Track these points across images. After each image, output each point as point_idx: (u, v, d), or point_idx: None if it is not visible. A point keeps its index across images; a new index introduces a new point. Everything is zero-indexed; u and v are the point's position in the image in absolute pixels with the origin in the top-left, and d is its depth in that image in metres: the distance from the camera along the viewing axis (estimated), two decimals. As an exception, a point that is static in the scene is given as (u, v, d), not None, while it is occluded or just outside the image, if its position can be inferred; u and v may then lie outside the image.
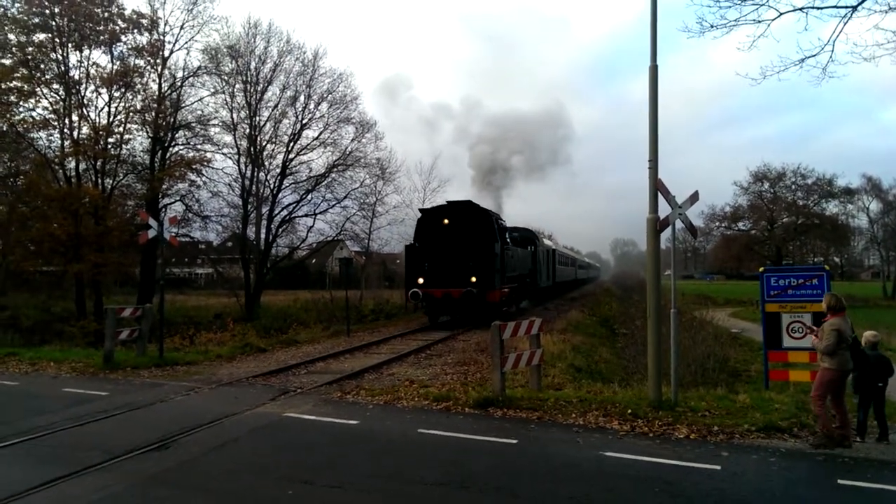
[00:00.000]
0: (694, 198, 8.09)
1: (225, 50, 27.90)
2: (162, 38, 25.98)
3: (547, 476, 5.55)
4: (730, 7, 9.43)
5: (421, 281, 19.21)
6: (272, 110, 29.40)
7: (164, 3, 27.62)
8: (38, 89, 23.84)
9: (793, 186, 48.47)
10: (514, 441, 6.62)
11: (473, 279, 18.48)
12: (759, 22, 9.43)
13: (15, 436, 6.80)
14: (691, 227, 8.43)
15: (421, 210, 21.93)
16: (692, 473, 5.57)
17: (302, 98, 29.60)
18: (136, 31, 25.35)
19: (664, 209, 8.01)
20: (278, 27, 30.93)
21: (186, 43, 27.04)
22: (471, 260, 18.85)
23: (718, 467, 5.72)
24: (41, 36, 23.85)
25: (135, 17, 25.05)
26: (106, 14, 24.57)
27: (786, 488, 5.28)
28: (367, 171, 31.76)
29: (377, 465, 5.91)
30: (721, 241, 56.75)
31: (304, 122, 29.69)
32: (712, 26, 9.54)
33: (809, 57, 9.52)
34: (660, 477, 5.46)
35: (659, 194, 7.92)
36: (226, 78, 28.18)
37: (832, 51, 9.60)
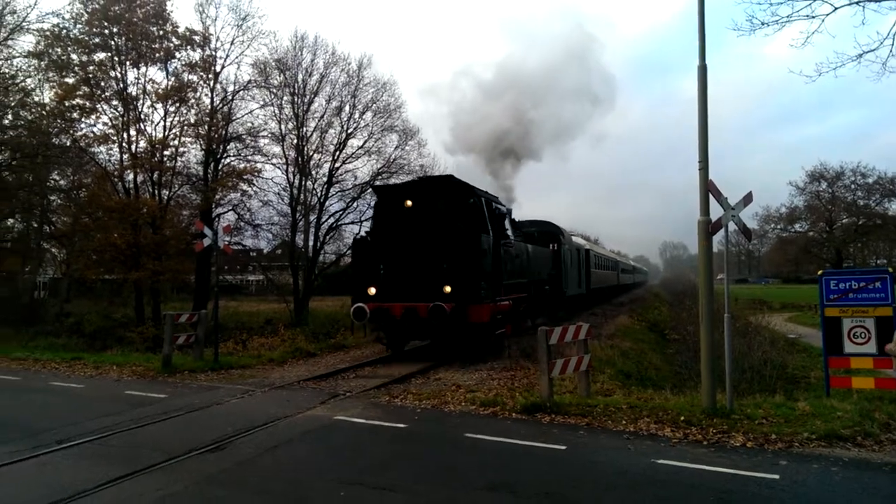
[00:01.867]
0: (747, 199, 7.88)
1: (273, 63, 28.62)
2: (214, 53, 26.86)
3: (597, 483, 5.49)
4: (781, 3, 9.19)
5: (373, 291, 13.22)
6: (318, 121, 29.98)
7: (216, 19, 28.64)
8: (98, 106, 24.96)
9: (852, 186, 46.68)
10: (563, 447, 6.56)
11: (447, 288, 12.34)
12: (813, 17, 9.17)
13: (82, 436, 7.12)
14: (745, 229, 8.20)
15: (375, 188, 16.42)
16: (749, 483, 5.41)
17: (347, 108, 30.08)
18: (189, 47, 26.28)
19: (716, 211, 7.83)
20: (324, 40, 31.89)
21: (237, 58, 27.91)
22: (444, 259, 12.65)
23: (777, 476, 5.54)
24: (101, 55, 25.00)
25: (188, 34, 25.96)
26: (161, 32, 25.55)
27: (849, 499, 5.07)
28: (411, 178, 32.01)
29: (426, 468, 5.96)
30: (777, 244, 54.96)
31: (349, 131, 30.16)
32: (763, 23, 9.33)
33: (868, 52, 9.20)
34: (715, 486, 5.32)
35: (710, 196, 7.74)
36: (274, 91, 28.89)
37: (892, 44, 9.22)
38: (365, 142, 30.60)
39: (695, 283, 22.72)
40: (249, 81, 28.06)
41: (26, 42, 30.28)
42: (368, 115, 30.45)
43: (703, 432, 7.02)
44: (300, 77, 29.44)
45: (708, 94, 7.87)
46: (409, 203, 13.51)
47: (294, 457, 6.37)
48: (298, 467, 5.99)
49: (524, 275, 16.47)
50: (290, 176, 29.50)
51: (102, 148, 25.58)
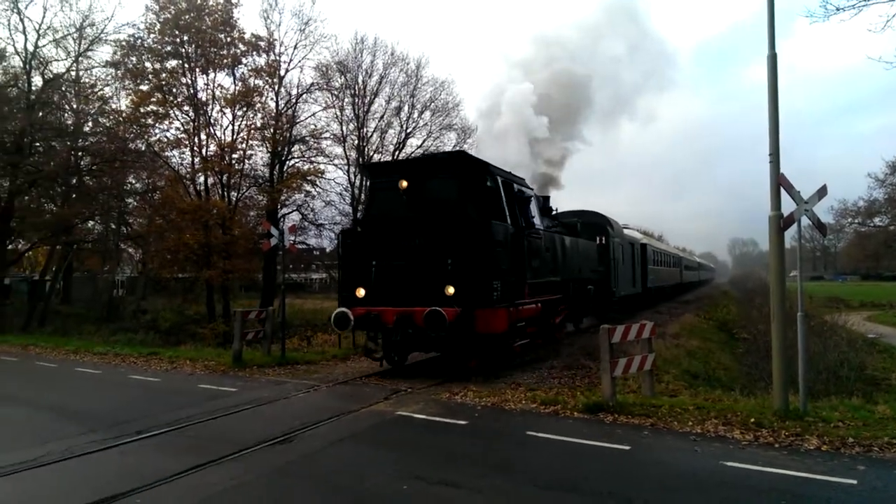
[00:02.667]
0: (822, 192, 7.53)
1: (334, 66, 29.34)
2: (278, 58, 27.76)
3: (662, 483, 5.38)
4: (860, -14, 8.72)
5: (361, 293, 10.81)
6: (378, 121, 30.56)
7: (280, 24, 29.49)
8: (171, 111, 26.21)
9: (940, 176, 43.57)
10: (627, 447, 6.46)
11: (450, 290, 9.95)
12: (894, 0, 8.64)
13: (159, 427, 7.51)
14: (819, 224, 7.85)
15: (366, 166, 14.72)
16: (824, 488, 5.18)
17: (406, 108, 30.55)
18: (255, 53, 27.25)
19: (788, 205, 7.52)
20: (383, 41, 32.43)
21: (300, 61, 28.86)
22: (448, 253, 10.16)
23: (855, 482, 5.29)
24: (173, 62, 26.22)
25: (254, 40, 26.93)
26: (228, 39, 26.56)
27: (937, 509, 4.79)
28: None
29: (488, 464, 5.98)
30: (855, 239, 52.08)
31: (408, 131, 30.61)
32: (839, 9, 8.88)
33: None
34: (787, 489, 5.13)
35: (782, 189, 7.44)
36: (335, 93, 29.61)
37: None
38: (424, 141, 31.02)
39: (766, 280, 21.78)
40: (312, 84, 28.86)
41: (104, 52, 32.12)
42: (427, 114, 30.85)
43: (774, 435, 6.76)
44: (360, 78, 30.09)
45: (778, 83, 7.58)
46: (404, 184, 10.73)
47: (358, 450, 6.52)
48: (362, 460, 6.14)
49: (558, 272, 13.97)
50: (352, 176, 30.16)
51: (175, 152, 26.91)
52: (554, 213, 16.30)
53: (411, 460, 6.12)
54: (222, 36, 26.38)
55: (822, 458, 6.00)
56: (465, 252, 10.17)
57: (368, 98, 30.25)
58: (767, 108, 7.57)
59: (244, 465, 6.03)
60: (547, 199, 16.38)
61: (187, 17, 25.46)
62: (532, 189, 13.56)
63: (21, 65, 23.78)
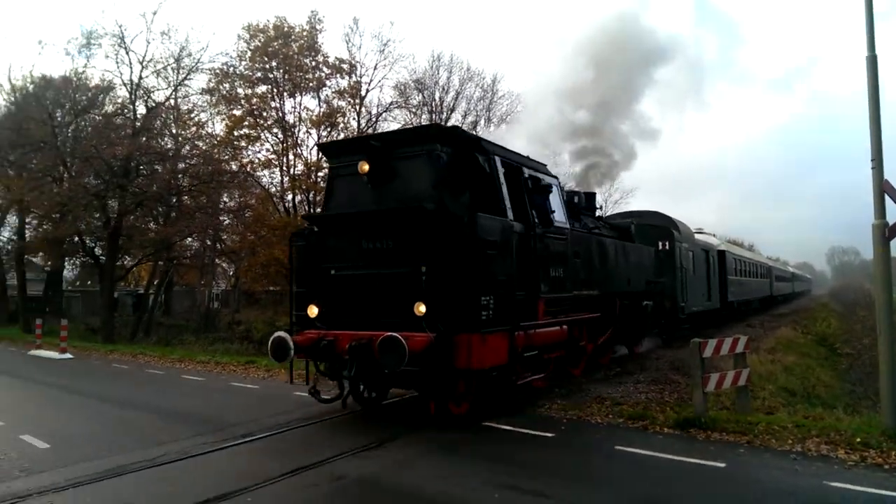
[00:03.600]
0: (932, 199, 7.09)
1: (412, 84, 30.10)
2: (359, 79, 28.76)
3: (761, 501, 5.23)
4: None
5: (314, 312, 8.42)
6: (456, 136, 30.98)
7: (360, 47, 30.52)
8: (261, 134, 27.68)
9: None
10: (722, 465, 6.30)
11: (421, 308, 7.41)
12: None
13: (262, 431, 7.97)
14: (929, 232, 7.38)
15: (321, 147, 11.52)
16: (943, 513, 4.89)
17: (482, 122, 30.85)
18: (338, 75, 28.36)
19: (893, 213, 7.13)
20: (458, 58, 33.11)
21: (379, 81, 29.64)
22: (421, 258, 7.62)
23: (978, 509, 4.95)
24: (262, 88, 27.68)
25: (338, 62, 28.05)
26: (313, 63, 27.79)
27: None
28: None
29: (577, 477, 6.01)
30: (971, 247, 47.71)
31: (485, 144, 30.87)
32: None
33: None
34: (900, 513, 4.88)
35: (886, 196, 7.08)
36: (413, 110, 30.35)
37: None
38: (501, 154, 31.17)
39: (869, 292, 20.32)
40: (391, 103, 29.70)
41: (200, 80, 34.34)
42: (504, 126, 30.97)
43: (883, 455, 6.40)
44: (437, 95, 30.72)
45: (879, 86, 7.24)
46: (365, 167, 8.13)
47: (447, 459, 6.69)
48: (451, 469, 6.30)
49: (595, 284, 11.26)
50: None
51: (265, 171, 28.34)
52: (600, 212, 14.24)
53: (500, 470, 6.22)
54: (308, 61, 27.63)
55: (939, 481, 5.65)
56: (442, 257, 7.55)
57: (445, 114, 30.80)
58: (868, 112, 7.25)
59: (340, 468, 6.33)
60: (591, 195, 13.97)
61: (275, 44, 26.85)
62: (555, 178, 10.73)
63: (127, 95, 25.87)
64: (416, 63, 38.96)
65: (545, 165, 10.80)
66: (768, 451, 6.79)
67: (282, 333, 8.07)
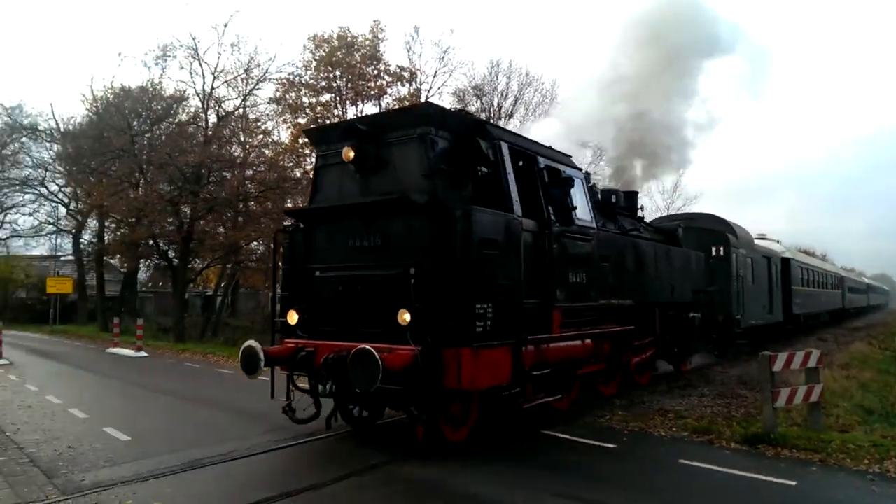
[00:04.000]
0: None
1: (471, 90, 30.28)
2: (419, 87, 29.17)
3: (836, 524, 5.05)
4: None
5: (294, 319, 7.64)
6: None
7: (420, 55, 30.96)
8: (325, 142, 28.41)
9: None
10: (793, 482, 6.10)
11: (405, 316, 6.46)
12: None
13: (325, 431, 8.17)
14: None
15: (306, 133, 10.57)
16: None
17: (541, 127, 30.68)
18: (398, 83, 28.84)
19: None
20: (517, 63, 32.98)
21: (439, 88, 29.97)
22: (409, 259, 6.71)
23: None
24: (326, 96, 28.46)
25: (398, 70, 28.53)
26: (375, 72, 28.36)
27: None
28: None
29: (641, 489, 5.95)
30: None
31: (544, 150, 30.71)
32: None
33: None
34: None
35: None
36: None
37: None
38: (560, 160, 30.97)
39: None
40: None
41: (267, 90, 35.54)
42: (555, 126, 30.77)
43: (971, 481, 6.07)
44: (496, 101, 30.78)
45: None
46: (350, 154, 7.20)
47: (508, 469, 6.73)
48: (514, 478, 6.32)
49: (626, 292, 10.05)
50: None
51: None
52: (641, 214, 13.10)
53: (561, 480, 6.22)
54: (370, 69, 28.22)
55: None
56: (432, 257, 6.61)
57: (503, 120, 30.81)
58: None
59: (399, 471, 6.51)
60: (631, 194, 12.69)
61: (339, 53, 27.56)
62: (579, 170, 9.59)
63: (199, 104, 27.12)
64: (474, 69, 39.13)
65: (569, 157, 9.71)
66: (843, 471, 6.54)
67: (252, 343, 7.13)
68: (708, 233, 15.82)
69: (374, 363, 5.94)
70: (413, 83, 29.01)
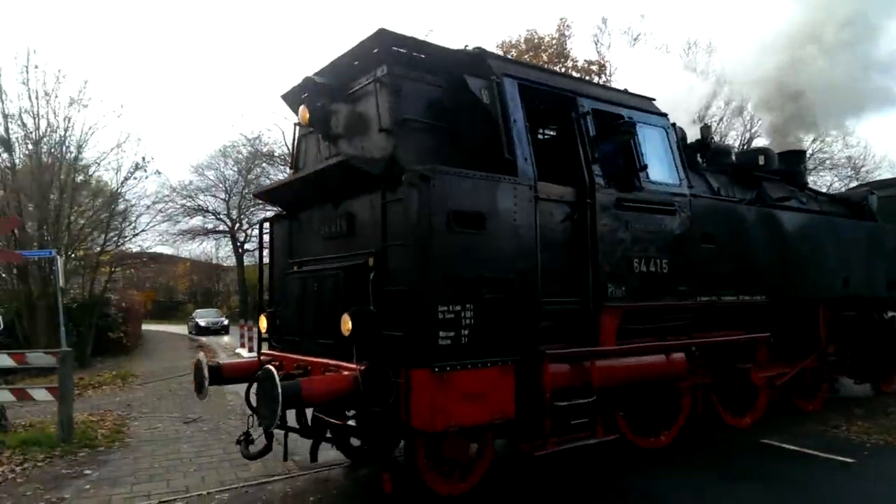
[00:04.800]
0: None
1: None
2: (609, 78, 28.43)
3: None
4: None
5: (264, 324, 6.23)
6: (717, 124, 28.76)
7: (609, 46, 30.14)
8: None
9: None
10: None
11: (348, 324, 4.69)
12: None
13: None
14: None
15: (283, 98, 6.55)
16: None
17: (749, 107, 28.09)
18: (588, 77, 28.40)
19: None
20: (714, 41, 30.20)
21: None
22: (371, 240, 5.11)
23: None
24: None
25: (587, 65, 28.13)
26: (563, 69, 28.27)
27: None
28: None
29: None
30: None
31: (752, 131, 28.05)
32: None
33: None
34: None
35: None
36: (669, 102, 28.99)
37: None
38: (770, 142, 28.16)
39: None
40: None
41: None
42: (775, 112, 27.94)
43: None
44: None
45: None
46: (306, 116, 5.72)
47: (716, 479, 6.37)
48: (722, 490, 5.98)
49: (753, 283, 7.45)
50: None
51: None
52: (806, 179, 10.18)
53: (787, 494, 5.73)
54: (558, 67, 28.18)
55: None
56: (389, 241, 4.91)
57: (706, 101, 28.72)
58: None
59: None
60: (794, 154, 9.98)
61: (527, 56, 27.92)
62: (663, 115, 7.04)
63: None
64: (668, 53, 37.02)
65: (650, 99, 7.15)
66: None
67: (200, 356, 6.08)
68: None
69: (274, 392, 4.30)
70: (602, 75, 28.35)
